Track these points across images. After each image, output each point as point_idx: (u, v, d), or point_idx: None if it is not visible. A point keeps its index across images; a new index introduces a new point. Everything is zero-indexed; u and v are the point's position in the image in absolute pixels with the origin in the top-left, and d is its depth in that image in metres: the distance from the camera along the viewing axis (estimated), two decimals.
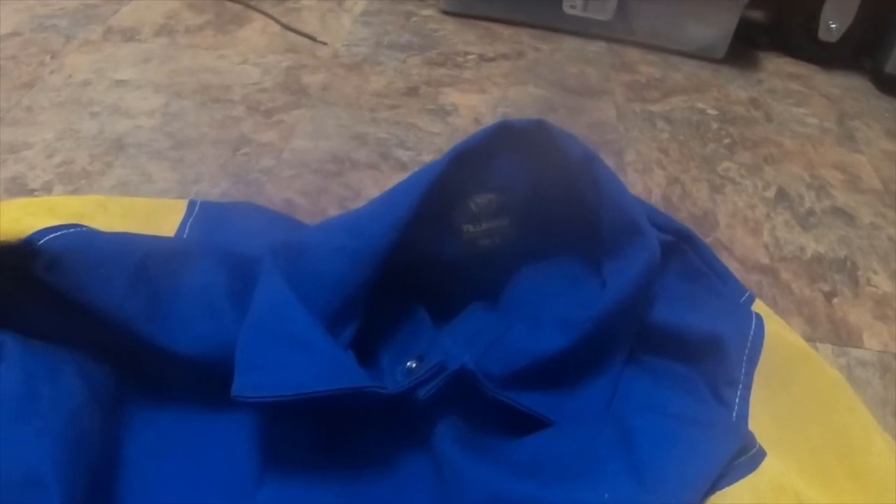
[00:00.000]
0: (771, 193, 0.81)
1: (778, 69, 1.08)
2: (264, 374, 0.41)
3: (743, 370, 0.49)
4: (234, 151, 0.77)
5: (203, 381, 0.46)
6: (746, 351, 0.49)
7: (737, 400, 0.48)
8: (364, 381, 0.42)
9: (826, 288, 0.69)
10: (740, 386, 0.48)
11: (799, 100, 1.01)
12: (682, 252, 0.54)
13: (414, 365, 0.45)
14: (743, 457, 0.42)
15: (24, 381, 0.41)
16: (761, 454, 0.43)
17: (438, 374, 0.44)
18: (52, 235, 0.43)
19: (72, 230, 0.44)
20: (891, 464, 0.46)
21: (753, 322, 0.50)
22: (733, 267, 0.68)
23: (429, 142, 0.82)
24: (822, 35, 1.07)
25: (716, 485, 0.40)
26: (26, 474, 0.38)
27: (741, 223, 0.75)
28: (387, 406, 0.44)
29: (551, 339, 0.46)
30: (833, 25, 1.05)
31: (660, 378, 0.48)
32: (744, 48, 1.10)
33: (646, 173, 0.80)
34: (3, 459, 0.37)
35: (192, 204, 0.58)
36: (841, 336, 0.64)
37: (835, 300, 0.68)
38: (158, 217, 0.55)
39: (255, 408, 0.45)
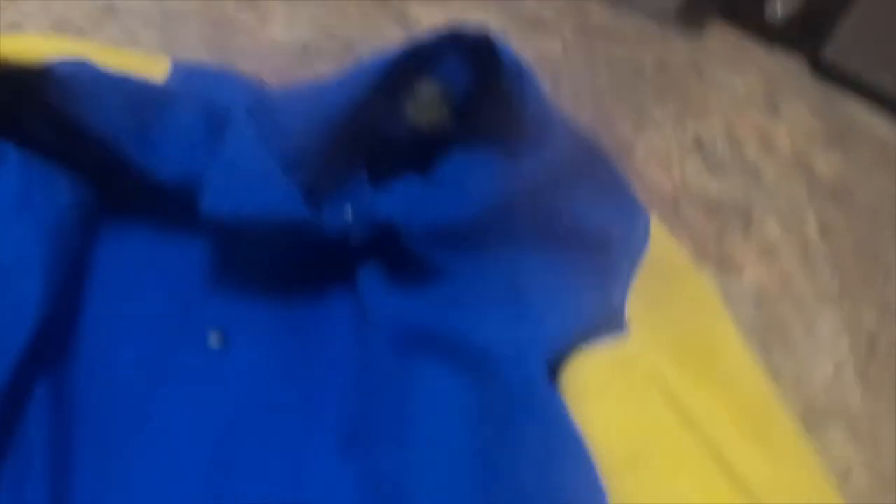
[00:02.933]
0: (688, 140, 0.88)
1: (722, 38, 1.14)
2: (228, 199, 0.49)
3: (627, 271, 0.55)
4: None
5: (172, 208, 0.54)
6: (631, 254, 0.55)
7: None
8: (309, 213, 0.50)
9: (720, 227, 0.77)
10: (621, 284, 0.54)
11: (735, 69, 1.07)
12: (595, 159, 0.59)
13: (349, 215, 0.53)
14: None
15: (22, 182, 0.48)
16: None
17: (368, 224, 0.52)
18: (62, 61, 0.48)
19: (79, 60, 0.50)
20: (746, 365, 0.53)
21: (643, 228, 0.57)
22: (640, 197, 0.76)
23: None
24: (769, 16, 1.13)
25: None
26: (16, 258, 0.45)
27: (655, 160, 0.83)
28: (321, 248, 0.53)
29: (466, 205, 0.52)
30: (779, 8, 1.12)
31: (557, 259, 0.55)
32: (694, 16, 1.15)
33: (577, 105, 0.86)
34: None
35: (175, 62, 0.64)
36: (723, 269, 0.73)
37: (725, 239, 0.76)
38: (149, 64, 0.60)
39: (214, 232, 0.52)
